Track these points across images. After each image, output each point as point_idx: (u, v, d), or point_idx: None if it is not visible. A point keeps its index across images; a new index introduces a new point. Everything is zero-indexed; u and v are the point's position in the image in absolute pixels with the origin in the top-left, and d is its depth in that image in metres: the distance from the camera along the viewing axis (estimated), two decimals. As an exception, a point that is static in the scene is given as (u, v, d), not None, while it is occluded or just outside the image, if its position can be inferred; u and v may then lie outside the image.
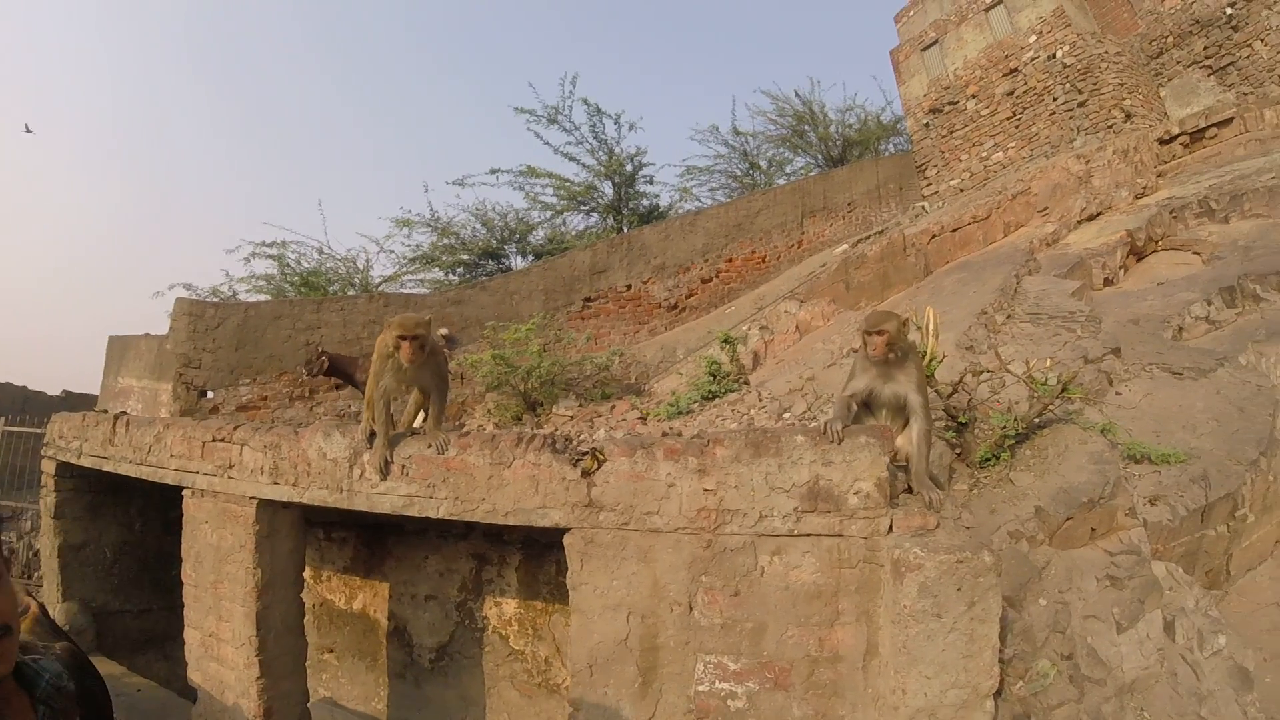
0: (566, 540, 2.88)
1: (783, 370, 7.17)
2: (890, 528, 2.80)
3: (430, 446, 3.12)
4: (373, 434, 3.26)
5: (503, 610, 4.31)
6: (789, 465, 2.80)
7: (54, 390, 17.65)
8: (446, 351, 3.64)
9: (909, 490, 3.19)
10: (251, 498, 3.82)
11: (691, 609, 2.79)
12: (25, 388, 17.05)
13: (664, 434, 3.15)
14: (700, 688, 2.83)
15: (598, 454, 2.83)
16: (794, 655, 2.80)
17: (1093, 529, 4.26)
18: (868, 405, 3.26)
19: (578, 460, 2.83)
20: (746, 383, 6.24)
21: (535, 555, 4.20)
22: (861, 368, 3.20)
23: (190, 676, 4.41)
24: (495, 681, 4.29)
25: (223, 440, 4.05)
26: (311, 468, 3.49)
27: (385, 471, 3.15)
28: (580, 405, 5.93)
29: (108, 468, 5.23)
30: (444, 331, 8.23)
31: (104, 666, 5.00)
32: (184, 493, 4.34)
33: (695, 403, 5.63)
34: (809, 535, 2.79)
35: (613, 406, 5.64)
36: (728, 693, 2.82)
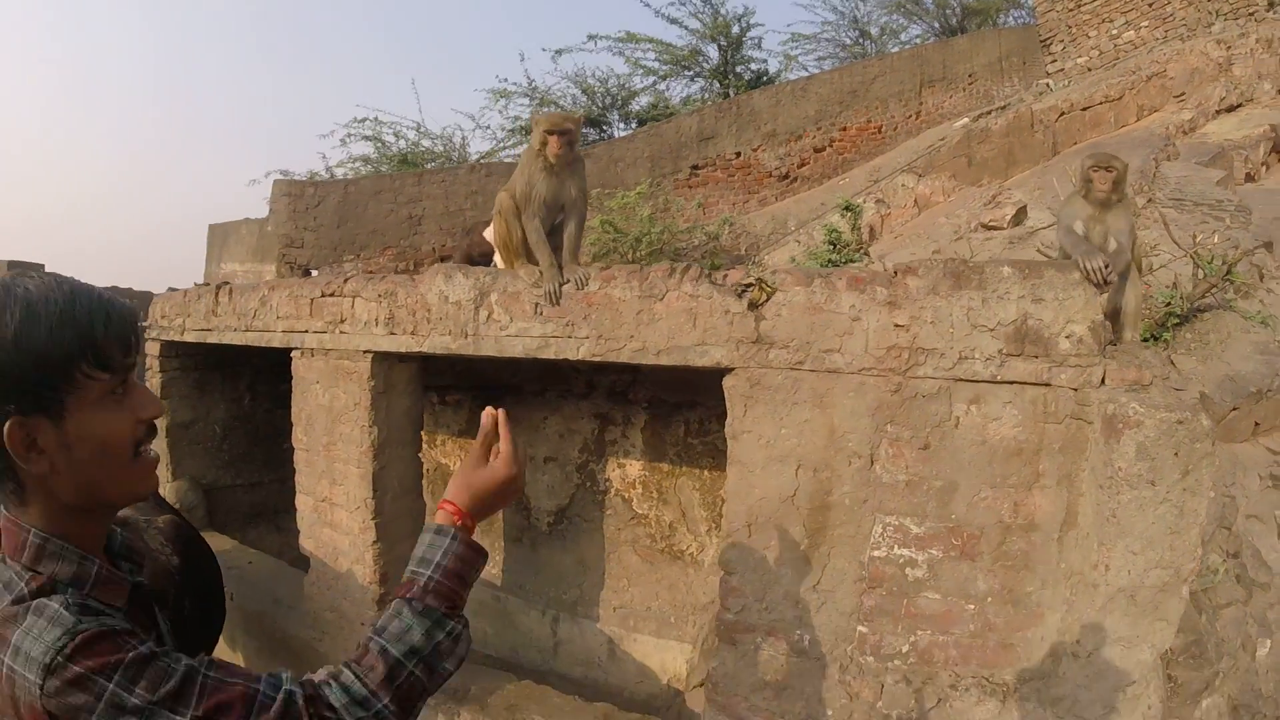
0: (727, 383, 2.53)
1: (904, 244, 6.66)
2: (1103, 379, 2.39)
3: (568, 281, 2.78)
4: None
5: (626, 473, 4.10)
6: (994, 300, 2.37)
7: (159, 289, 18.23)
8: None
9: (1113, 342, 2.82)
10: (366, 351, 3.61)
11: (873, 463, 2.44)
12: (131, 289, 17.64)
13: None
14: (876, 553, 2.51)
15: (764, 284, 2.44)
16: (985, 521, 2.45)
17: (1256, 423, 3.91)
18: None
19: (743, 291, 2.45)
20: (867, 254, 5.73)
21: (662, 416, 3.93)
22: (1075, 211, 2.87)
23: (302, 544, 4.38)
24: (615, 546, 4.13)
25: (332, 295, 3.84)
26: (432, 313, 3.22)
27: (557, 298, 2.80)
28: (691, 276, 5.54)
29: (212, 339, 5.16)
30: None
31: (216, 541, 5.09)
32: (292, 354, 4.19)
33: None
34: (1012, 383, 2.39)
35: (725, 276, 5.24)
36: (907, 559, 2.50)
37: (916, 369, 2.37)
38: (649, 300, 2.60)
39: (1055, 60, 13.20)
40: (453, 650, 1.00)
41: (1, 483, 0.89)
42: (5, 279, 0.88)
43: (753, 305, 2.44)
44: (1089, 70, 12.81)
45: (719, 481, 3.83)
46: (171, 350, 5.92)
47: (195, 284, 11.25)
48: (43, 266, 10.08)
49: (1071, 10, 13.07)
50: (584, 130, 12.80)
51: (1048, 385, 2.39)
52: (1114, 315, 2.99)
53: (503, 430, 1.14)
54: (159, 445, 6.17)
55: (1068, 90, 11.12)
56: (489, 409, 1.16)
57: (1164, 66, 10.47)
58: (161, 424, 5.98)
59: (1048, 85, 12.05)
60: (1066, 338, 2.40)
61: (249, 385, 6.30)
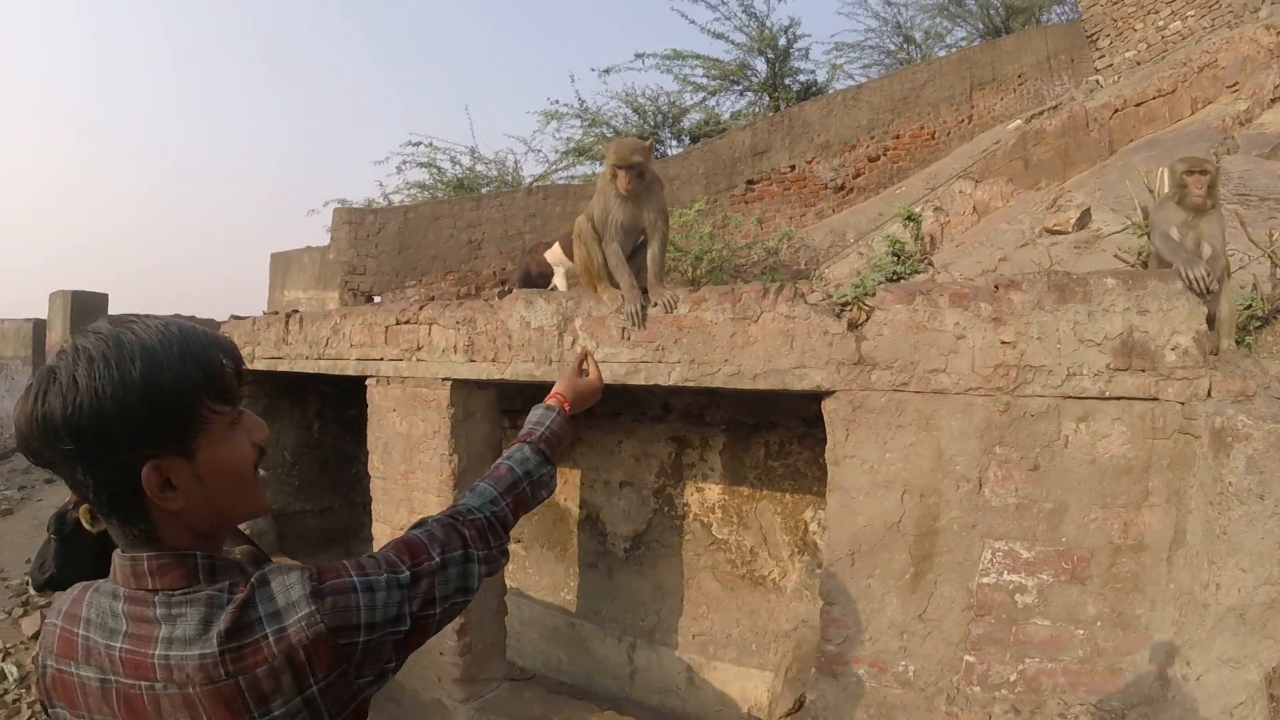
0: (827, 406, 2.48)
1: (967, 252, 6.52)
2: (1209, 392, 2.30)
3: (655, 304, 2.75)
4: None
5: (705, 497, 4.03)
6: (1099, 313, 2.30)
7: (222, 316, 18.74)
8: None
9: (1213, 352, 2.73)
10: (445, 379, 3.62)
11: (981, 486, 2.36)
12: (194, 316, 18.15)
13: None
14: (985, 579, 2.42)
15: (863, 303, 2.38)
16: (1095, 542, 2.36)
17: (1343, 432, 3.79)
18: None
19: (842, 310, 2.40)
20: (930, 264, 5.63)
21: (741, 438, 3.87)
22: (1169, 217, 2.80)
23: (380, 573, 4.37)
24: (694, 571, 4.06)
25: (407, 322, 3.86)
26: (513, 340, 3.22)
27: (641, 320, 2.80)
28: (752, 292, 5.48)
29: (283, 367, 5.20)
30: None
31: (286, 567, 5.11)
32: (367, 382, 4.21)
33: (879, 285, 5.11)
34: (1120, 398, 2.31)
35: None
36: (1016, 585, 2.41)
37: (1024, 387, 2.30)
38: (743, 322, 2.56)
39: (1103, 56, 12.89)
40: (547, 484, 1.32)
41: (131, 524, 0.90)
42: (108, 328, 0.87)
43: (852, 325, 2.39)
44: (1138, 64, 12.48)
45: (801, 505, 3.75)
46: (240, 379, 6.01)
47: (263, 312, 11.53)
48: (106, 297, 10.35)
49: (1115, 3, 12.79)
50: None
51: (1155, 400, 2.31)
52: (1209, 323, 2.90)
53: (591, 359, 1.63)
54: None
55: (1119, 86, 10.84)
56: (581, 346, 1.67)
57: (1214, 56, 10.16)
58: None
59: (1098, 82, 11.77)
60: (1172, 349, 2.32)
61: (317, 412, 6.37)
